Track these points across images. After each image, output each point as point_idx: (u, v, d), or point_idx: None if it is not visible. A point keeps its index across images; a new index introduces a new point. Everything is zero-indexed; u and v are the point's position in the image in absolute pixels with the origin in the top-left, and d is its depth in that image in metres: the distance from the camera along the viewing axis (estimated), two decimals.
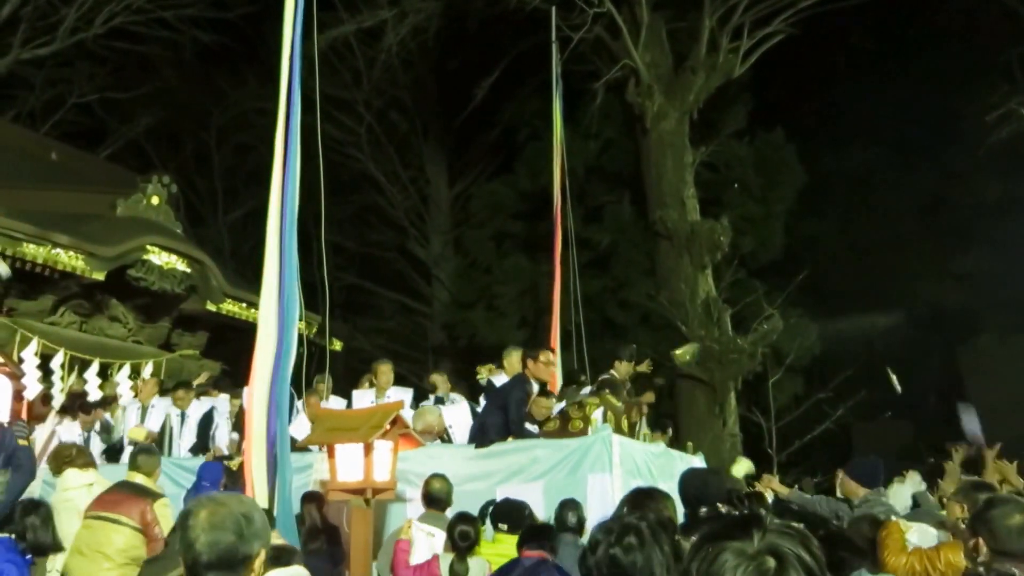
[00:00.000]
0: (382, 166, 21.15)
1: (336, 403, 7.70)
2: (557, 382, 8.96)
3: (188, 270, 12.76)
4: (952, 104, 19.06)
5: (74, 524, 5.11)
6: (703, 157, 15.76)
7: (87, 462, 5.62)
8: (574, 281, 9.62)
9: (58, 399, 9.94)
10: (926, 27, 19.04)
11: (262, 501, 4.61)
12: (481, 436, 6.45)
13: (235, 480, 6.04)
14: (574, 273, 9.72)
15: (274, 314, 4.77)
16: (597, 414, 6.29)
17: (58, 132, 19.30)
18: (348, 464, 5.27)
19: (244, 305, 13.68)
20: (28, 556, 4.39)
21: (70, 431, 8.53)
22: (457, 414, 7.18)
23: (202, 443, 8.18)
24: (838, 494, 5.83)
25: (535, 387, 6.65)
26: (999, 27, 16.86)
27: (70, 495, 5.41)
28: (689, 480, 4.10)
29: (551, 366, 6.81)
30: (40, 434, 9.05)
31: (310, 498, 5.91)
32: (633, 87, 15.01)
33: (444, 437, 7.16)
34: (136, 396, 9.03)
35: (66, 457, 5.60)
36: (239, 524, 2.15)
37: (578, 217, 12.45)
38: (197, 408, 8.60)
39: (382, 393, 7.67)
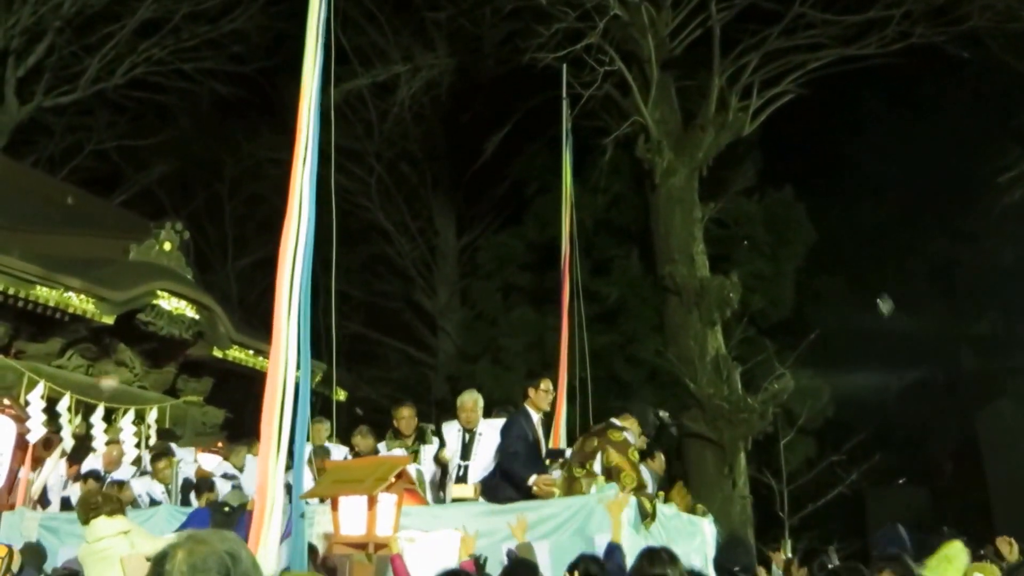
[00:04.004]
0: (391, 216, 21.36)
1: (337, 451, 7.68)
2: (561, 417, 8.92)
3: (197, 316, 12.87)
4: (964, 166, 19.20)
5: (110, 573, 5.02)
6: (712, 213, 15.76)
7: (114, 509, 5.38)
8: (581, 335, 9.62)
9: (67, 442, 9.98)
10: (937, 88, 19.27)
11: (271, 554, 4.60)
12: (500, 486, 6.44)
13: (228, 527, 6.03)
14: (581, 327, 9.71)
15: (283, 363, 4.83)
16: (597, 467, 6.26)
17: (75, 178, 19.65)
18: (351, 517, 5.25)
19: (250, 352, 13.76)
20: None
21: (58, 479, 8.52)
22: (494, 428, 6.93)
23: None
24: None
25: (535, 417, 6.64)
26: (1010, 90, 17.08)
27: (104, 544, 5.21)
28: (731, 549, 4.06)
29: (551, 394, 6.83)
30: (40, 477, 9.09)
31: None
32: (642, 143, 15.10)
33: (468, 437, 7.01)
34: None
35: (93, 505, 5.33)
36: (224, 564, 1.88)
37: (586, 270, 12.37)
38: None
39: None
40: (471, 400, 7.11)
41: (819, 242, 17.76)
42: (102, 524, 5.31)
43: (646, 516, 6.22)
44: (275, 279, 5.05)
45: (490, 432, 6.98)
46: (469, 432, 7.09)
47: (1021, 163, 15.75)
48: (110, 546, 5.26)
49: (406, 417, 7.76)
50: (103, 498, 5.47)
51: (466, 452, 7.05)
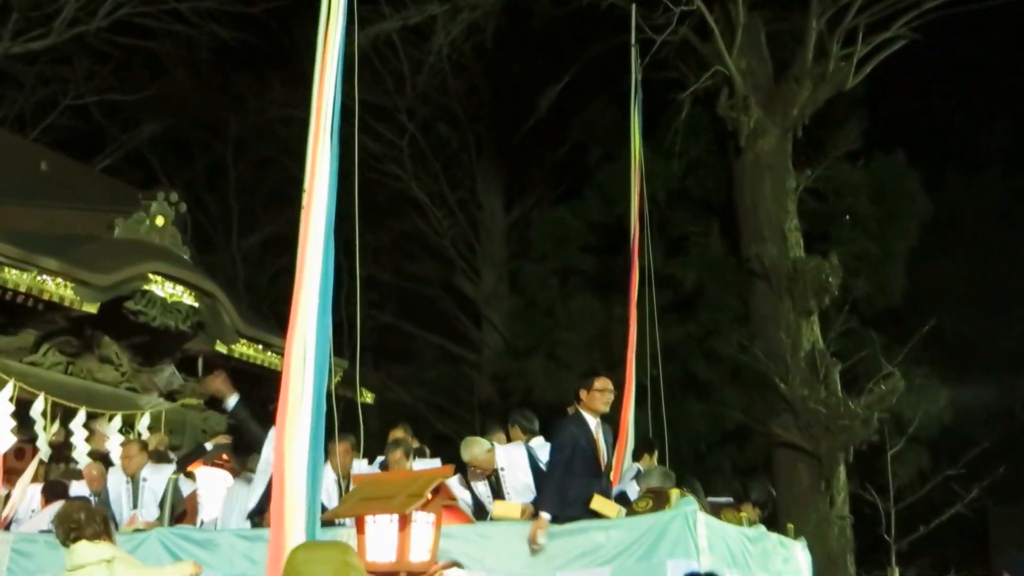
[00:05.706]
0: (426, 186, 21.43)
1: (359, 468, 7.68)
2: (628, 423, 8.87)
3: (196, 304, 12.91)
4: None
5: None
6: (808, 183, 15.74)
7: (97, 531, 5.34)
8: (652, 327, 9.56)
9: (43, 452, 10.03)
10: None
11: None
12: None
13: None
14: (652, 317, 9.66)
15: (302, 360, 4.78)
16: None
17: (49, 138, 19.91)
18: (379, 541, 5.22)
19: (260, 347, 13.81)
20: None
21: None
22: (513, 455, 7.07)
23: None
24: None
25: (592, 422, 6.62)
26: None
27: (84, 572, 5.27)
28: None
29: (607, 393, 6.76)
30: (16, 493, 9.16)
31: None
32: (726, 99, 15.14)
33: (493, 479, 7.08)
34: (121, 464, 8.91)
35: (73, 525, 5.29)
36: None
37: (658, 251, 12.51)
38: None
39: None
40: (481, 452, 7.08)
41: (935, 217, 17.59)
42: (83, 549, 5.31)
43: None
44: (290, 260, 5.02)
45: (512, 457, 7.06)
46: (492, 477, 7.14)
47: None
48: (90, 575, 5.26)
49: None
50: (86, 517, 5.45)
51: (497, 493, 7.11)
